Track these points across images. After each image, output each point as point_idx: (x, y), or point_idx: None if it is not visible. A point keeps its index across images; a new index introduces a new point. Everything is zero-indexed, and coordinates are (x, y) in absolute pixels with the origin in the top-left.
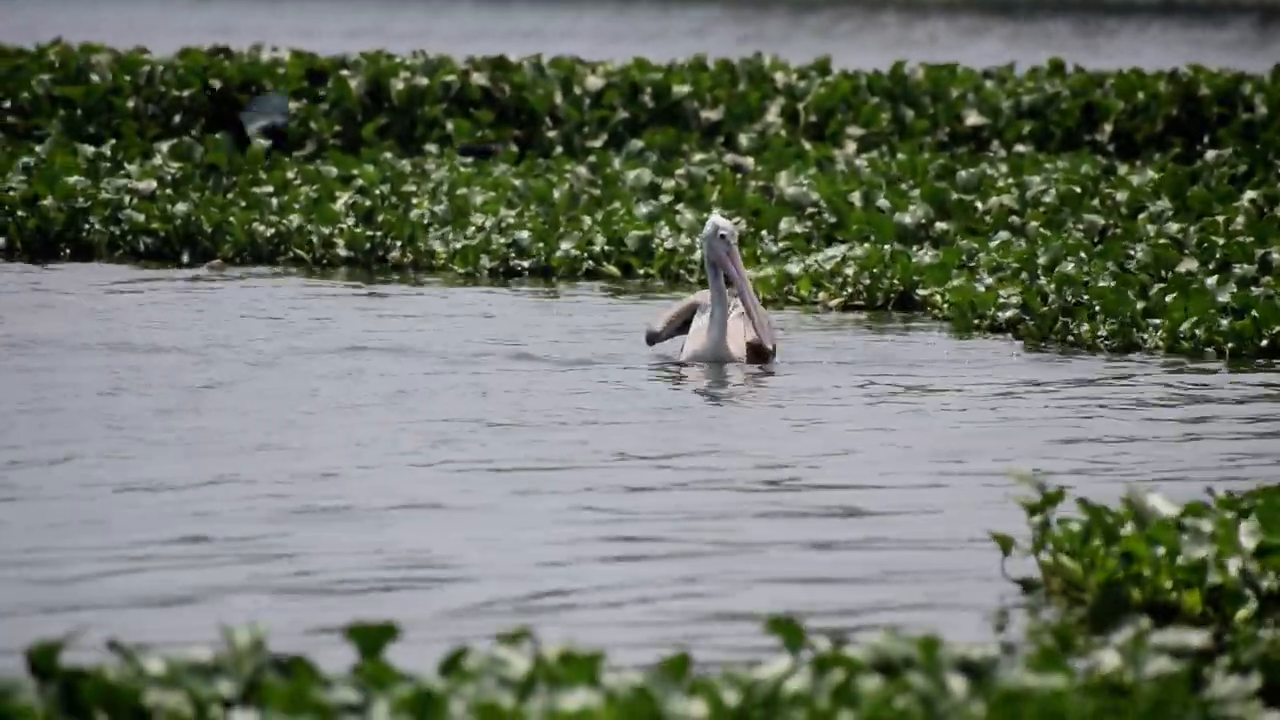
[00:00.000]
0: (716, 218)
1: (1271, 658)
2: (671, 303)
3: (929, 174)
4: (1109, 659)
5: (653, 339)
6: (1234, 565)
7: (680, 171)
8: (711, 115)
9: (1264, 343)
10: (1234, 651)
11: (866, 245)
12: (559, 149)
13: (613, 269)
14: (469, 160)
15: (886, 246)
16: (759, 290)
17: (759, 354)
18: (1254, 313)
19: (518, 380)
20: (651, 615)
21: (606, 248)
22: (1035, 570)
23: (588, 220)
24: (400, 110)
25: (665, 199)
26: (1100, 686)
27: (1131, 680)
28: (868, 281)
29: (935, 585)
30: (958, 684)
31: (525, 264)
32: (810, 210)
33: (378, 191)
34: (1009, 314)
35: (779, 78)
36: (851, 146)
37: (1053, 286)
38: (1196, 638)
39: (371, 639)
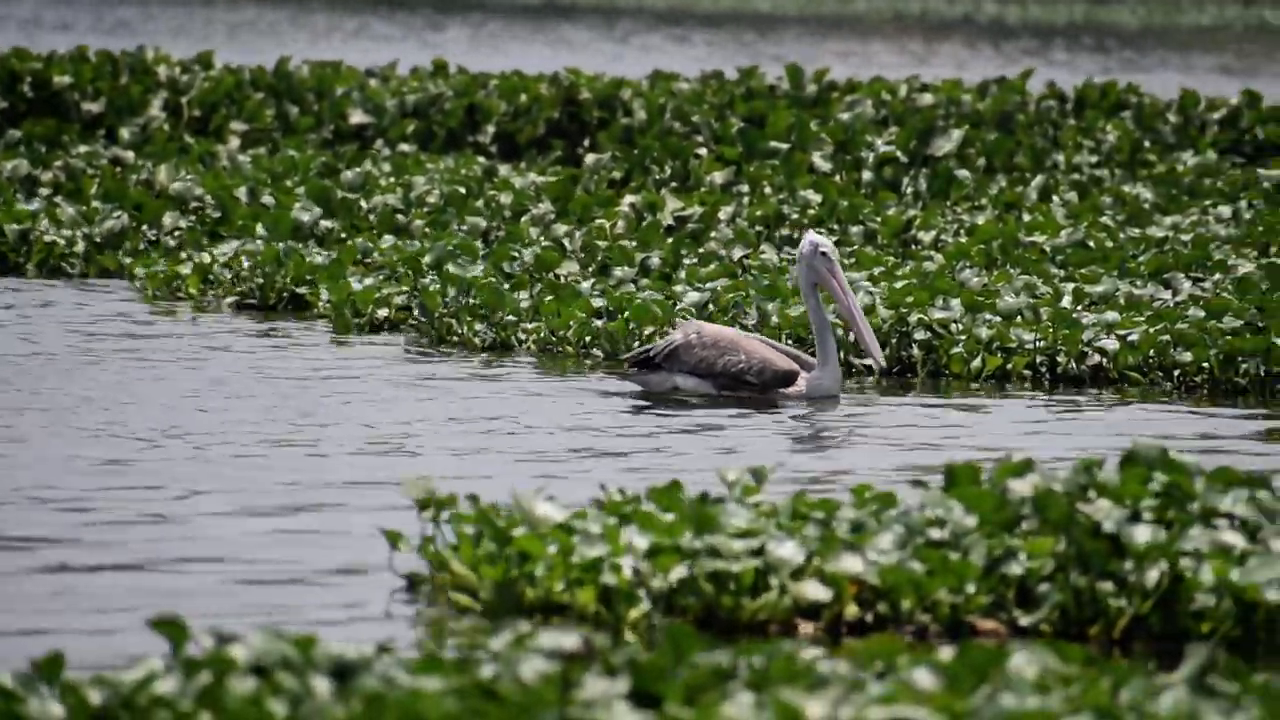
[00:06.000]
0: (814, 235)
1: (640, 661)
2: (746, 338)
3: (312, 171)
4: (485, 661)
5: (791, 377)
6: (627, 565)
7: (59, 164)
8: (93, 107)
9: (636, 344)
10: (605, 655)
11: (260, 243)
12: None
13: None
14: None
15: (281, 244)
16: None
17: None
18: (626, 315)
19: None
20: (29, 620)
21: None
22: (427, 570)
23: None
24: None
25: (44, 191)
26: (473, 689)
27: (504, 682)
28: (261, 280)
29: (328, 585)
30: (325, 686)
31: None
32: (195, 205)
33: None
34: (390, 313)
35: (162, 71)
36: (235, 142)
37: (439, 286)
38: (571, 640)
39: None
